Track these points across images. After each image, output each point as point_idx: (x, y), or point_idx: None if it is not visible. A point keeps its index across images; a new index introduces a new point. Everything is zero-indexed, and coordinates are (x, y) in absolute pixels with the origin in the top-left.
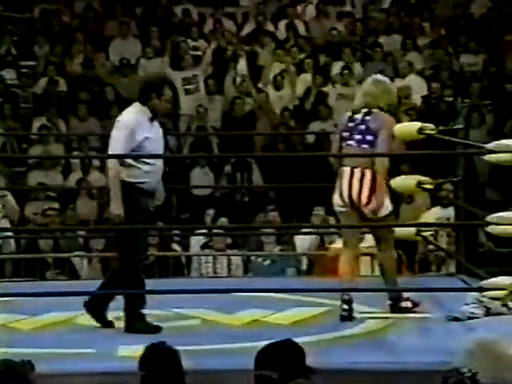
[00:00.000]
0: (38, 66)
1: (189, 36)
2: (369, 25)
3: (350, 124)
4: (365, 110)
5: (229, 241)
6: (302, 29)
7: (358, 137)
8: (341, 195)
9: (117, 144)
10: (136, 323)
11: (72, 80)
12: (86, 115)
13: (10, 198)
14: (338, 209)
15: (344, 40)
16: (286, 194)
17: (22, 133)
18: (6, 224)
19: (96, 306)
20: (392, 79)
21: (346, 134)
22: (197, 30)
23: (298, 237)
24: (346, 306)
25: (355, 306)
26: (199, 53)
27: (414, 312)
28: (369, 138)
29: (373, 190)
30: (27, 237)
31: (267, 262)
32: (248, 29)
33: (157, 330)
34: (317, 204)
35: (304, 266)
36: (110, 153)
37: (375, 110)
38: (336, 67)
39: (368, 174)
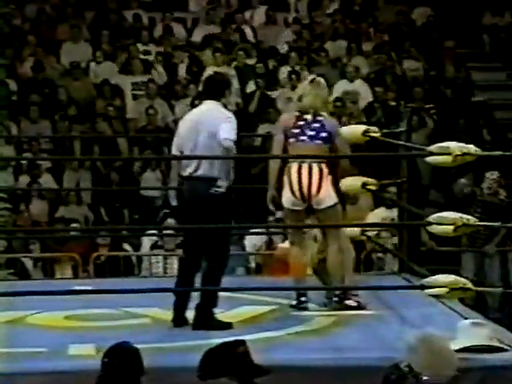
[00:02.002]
0: None
1: (139, 40)
2: (315, 30)
3: (300, 122)
4: (313, 111)
5: (179, 241)
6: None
7: (311, 133)
8: (292, 191)
9: (234, 134)
10: (211, 320)
11: (23, 82)
12: (38, 117)
13: None
14: (290, 207)
15: (291, 45)
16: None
17: None
18: None
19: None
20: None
21: (295, 131)
22: (147, 34)
23: (248, 236)
24: (301, 298)
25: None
26: (150, 57)
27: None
28: (323, 134)
29: (320, 181)
30: None
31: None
32: (197, 34)
33: (229, 326)
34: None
35: (253, 265)
36: (230, 143)
37: (324, 113)
38: (284, 72)
39: (315, 167)
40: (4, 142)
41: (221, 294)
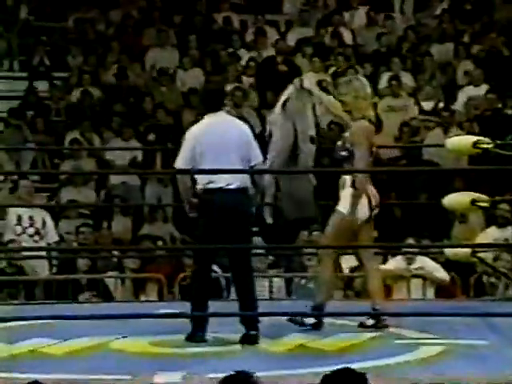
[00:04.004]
0: (72, 76)
1: (229, 45)
2: (420, 32)
3: None
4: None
5: (270, 261)
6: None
7: None
8: (370, 202)
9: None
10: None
11: (106, 90)
12: (122, 128)
13: (48, 219)
14: (364, 219)
15: (393, 49)
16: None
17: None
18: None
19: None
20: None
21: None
22: (238, 38)
23: (345, 257)
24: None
25: (405, 331)
26: (241, 63)
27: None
28: None
29: None
30: (61, 257)
31: (312, 284)
32: (291, 37)
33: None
34: None
35: (350, 290)
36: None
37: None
38: (384, 78)
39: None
40: (86, 155)
41: (314, 319)
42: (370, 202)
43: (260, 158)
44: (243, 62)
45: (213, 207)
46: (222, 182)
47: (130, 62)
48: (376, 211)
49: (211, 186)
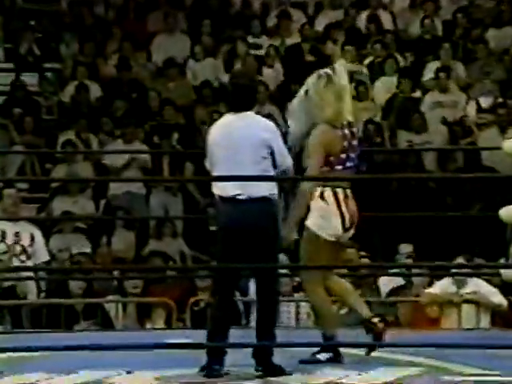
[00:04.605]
0: (65, 68)
1: (249, 31)
2: (473, 15)
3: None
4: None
5: (295, 283)
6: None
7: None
8: (343, 219)
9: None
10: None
11: (106, 85)
12: (123, 127)
13: (38, 235)
14: (337, 237)
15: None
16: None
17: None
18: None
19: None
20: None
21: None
22: (259, 23)
23: (383, 278)
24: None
25: (455, 366)
26: (261, 52)
27: None
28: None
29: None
30: (52, 278)
31: (344, 310)
32: (320, 22)
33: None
34: (403, 238)
35: (390, 315)
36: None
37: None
38: (429, 69)
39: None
40: (82, 159)
41: (352, 351)
42: (343, 219)
43: (288, 163)
44: (263, 51)
45: (226, 220)
46: (234, 190)
47: (133, 51)
48: (351, 233)
49: (223, 193)
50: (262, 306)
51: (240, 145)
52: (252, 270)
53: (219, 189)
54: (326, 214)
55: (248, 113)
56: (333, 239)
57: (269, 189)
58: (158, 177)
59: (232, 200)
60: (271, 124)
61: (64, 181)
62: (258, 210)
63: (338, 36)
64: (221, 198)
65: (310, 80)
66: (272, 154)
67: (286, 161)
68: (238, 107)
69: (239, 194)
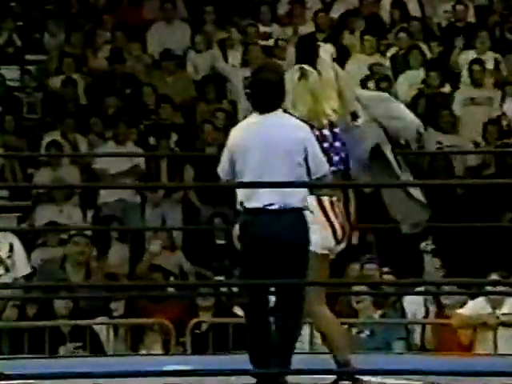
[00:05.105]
0: (50, 60)
1: (257, 19)
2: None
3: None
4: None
5: None
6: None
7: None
8: (334, 231)
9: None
10: None
11: (95, 79)
12: (115, 127)
13: (17, 245)
14: (329, 249)
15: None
16: (389, 237)
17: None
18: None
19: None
20: None
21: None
22: (268, 10)
23: (408, 298)
24: None
25: None
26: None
27: None
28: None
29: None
30: (35, 297)
31: (365, 334)
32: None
33: None
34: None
35: (417, 338)
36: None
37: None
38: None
39: (340, 203)
40: (69, 163)
41: (374, 379)
42: (334, 230)
43: (324, 168)
44: (272, 42)
45: (256, 233)
46: (261, 199)
47: (127, 41)
48: (341, 247)
49: (253, 203)
50: (284, 326)
51: (273, 149)
52: (279, 286)
53: (247, 198)
54: (313, 227)
55: (278, 112)
56: (326, 252)
57: (303, 199)
58: (155, 183)
59: (264, 211)
60: (304, 124)
61: (49, 187)
62: (294, 222)
63: (357, 24)
64: (249, 208)
65: (287, 75)
66: (306, 159)
67: (322, 167)
68: (265, 106)
69: (272, 204)
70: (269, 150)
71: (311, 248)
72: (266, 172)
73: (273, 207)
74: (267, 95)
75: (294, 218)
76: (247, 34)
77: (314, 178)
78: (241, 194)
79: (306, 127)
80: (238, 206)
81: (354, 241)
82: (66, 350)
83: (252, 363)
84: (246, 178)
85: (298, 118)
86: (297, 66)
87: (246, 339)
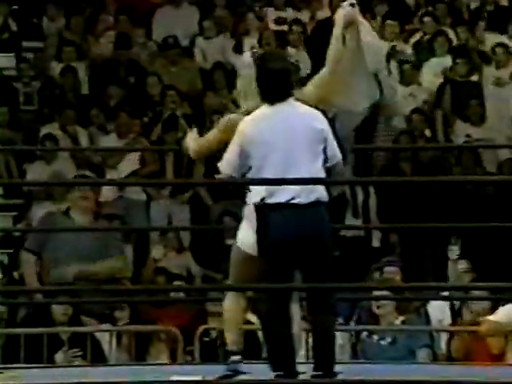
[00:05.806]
0: (48, 47)
1: (270, 3)
2: None
3: None
4: None
5: None
6: None
7: None
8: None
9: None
10: None
11: (97, 68)
12: (117, 119)
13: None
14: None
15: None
16: (412, 239)
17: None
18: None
19: None
20: None
21: None
22: None
23: (433, 303)
24: None
25: None
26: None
27: None
28: None
29: None
30: (33, 302)
31: (386, 341)
32: None
33: None
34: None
35: (443, 347)
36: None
37: None
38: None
39: None
40: (68, 157)
41: None
42: None
43: (338, 156)
44: (287, 27)
45: (280, 230)
46: (286, 193)
47: (131, 27)
48: None
49: (275, 199)
50: (321, 332)
51: (296, 140)
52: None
53: (268, 193)
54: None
55: (290, 100)
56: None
57: (324, 191)
58: (161, 179)
59: (288, 206)
60: (318, 111)
61: (46, 184)
62: (319, 217)
63: (378, 8)
64: (270, 204)
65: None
66: (325, 148)
67: (337, 154)
68: (277, 96)
69: (294, 198)
70: (292, 141)
71: (241, 246)
72: (291, 164)
73: (298, 201)
74: (278, 84)
75: (322, 211)
76: (262, 19)
77: (329, 165)
78: (262, 188)
79: (321, 114)
80: (255, 202)
81: (376, 243)
82: (63, 358)
83: (276, 369)
84: (268, 173)
85: (244, 112)
86: (249, 52)
87: (267, 348)
